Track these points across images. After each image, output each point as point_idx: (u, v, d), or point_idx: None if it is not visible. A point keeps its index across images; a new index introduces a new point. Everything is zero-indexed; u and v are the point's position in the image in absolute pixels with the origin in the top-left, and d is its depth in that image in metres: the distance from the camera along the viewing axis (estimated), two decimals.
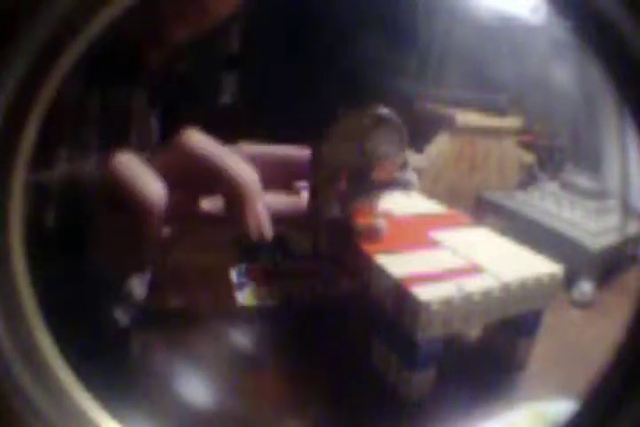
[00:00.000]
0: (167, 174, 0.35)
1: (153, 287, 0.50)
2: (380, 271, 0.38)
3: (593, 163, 0.65)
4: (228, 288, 0.52)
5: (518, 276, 0.37)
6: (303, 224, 0.45)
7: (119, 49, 0.47)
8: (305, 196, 0.44)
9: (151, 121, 0.56)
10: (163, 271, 0.54)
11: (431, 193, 0.57)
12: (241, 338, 0.45)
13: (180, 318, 0.46)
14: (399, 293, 0.35)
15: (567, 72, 0.61)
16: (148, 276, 0.47)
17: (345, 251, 0.44)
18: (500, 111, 0.75)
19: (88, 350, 0.29)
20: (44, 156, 0.42)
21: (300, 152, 0.44)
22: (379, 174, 0.40)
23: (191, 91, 0.65)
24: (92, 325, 0.47)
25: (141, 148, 0.51)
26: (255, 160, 0.40)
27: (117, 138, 0.50)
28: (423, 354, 0.36)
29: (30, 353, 0.21)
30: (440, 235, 0.44)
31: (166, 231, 0.38)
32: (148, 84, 0.54)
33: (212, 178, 0.36)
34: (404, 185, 0.46)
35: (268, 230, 0.38)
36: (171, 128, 0.59)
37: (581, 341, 0.46)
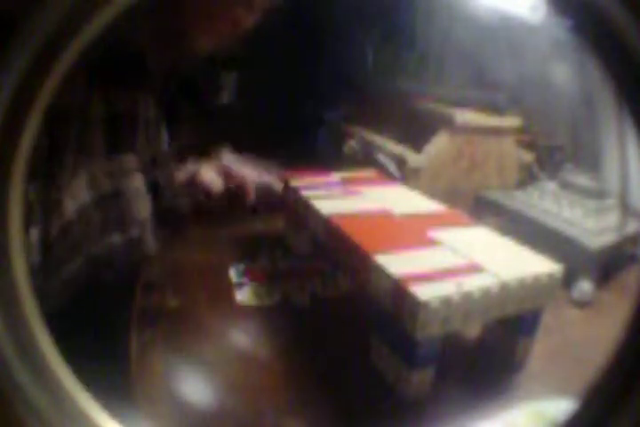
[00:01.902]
0: None
1: (152, 287, 0.50)
2: (380, 271, 0.38)
3: (592, 162, 0.65)
4: (227, 288, 0.52)
5: (517, 275, 0.37)
6: None
7: (127, 54, 0.48)
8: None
9: (159, 123, 0.56)
10: (162, 271, 0.54)
11: (430, 192, 0.57)
12: (240, 338, 0.45)
13: (180, 317, 0.46)
14: (398, 292, 0.35)
15: (566, 71, 0.61)
16: None
17: (344, 251, 0.45)
18: (500, 110, 0.75)
19: (88, 351, 0.29)
20: (49, 160, 0.43)
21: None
22: None
23: (191, 91, 0.65)
24: (93, 326, 0.47)
25: (150, 150, 0.51)
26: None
27: (124, 141, 0.50)
28: (422, 353, 0.36)
29: (30, 353, 0.21)
30: (439, 234, 0.44)
31: None
32: (155, 87, 0.54)
33: None
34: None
35: None
36: (174, 128, 0.59)
37: (581, 340, 0.46)
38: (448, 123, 0.72)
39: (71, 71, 0.21)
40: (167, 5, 0.45)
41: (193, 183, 0.54)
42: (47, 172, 0.42)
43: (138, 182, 0.46)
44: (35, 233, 0.40)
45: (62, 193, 0.42)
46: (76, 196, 0.43)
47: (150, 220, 0.47)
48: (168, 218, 0.49)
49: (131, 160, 0.47)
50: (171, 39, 0.50)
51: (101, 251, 0.44)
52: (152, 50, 0.51)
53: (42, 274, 0.41)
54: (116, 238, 0.45)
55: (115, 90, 0.49)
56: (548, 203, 0.63)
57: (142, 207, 0.46)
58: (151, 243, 0.48)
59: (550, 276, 0.38)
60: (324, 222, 0.48)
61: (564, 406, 0.32)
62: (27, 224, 0.40)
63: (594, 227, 0.57)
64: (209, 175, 0.56)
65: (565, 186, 0.65)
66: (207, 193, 0.56)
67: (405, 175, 0.71)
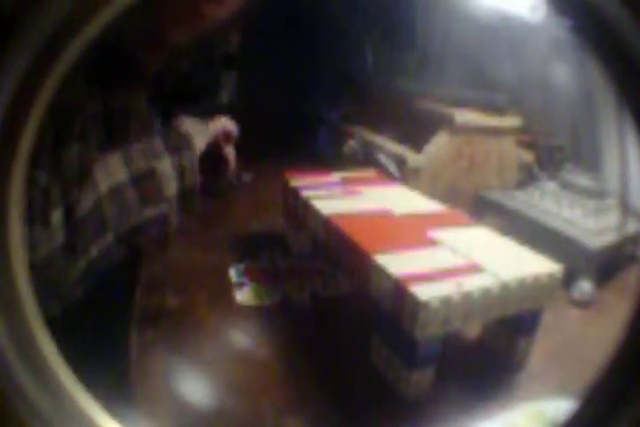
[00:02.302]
0: None
1: (152, 287, 0.50)
2: (380, 271, 0.38)
3: (592, 162, 0.65)
4: (227, 288, 0.52)
5: (517, 275, 0.37)
6: None
7: (118, 50, 0.49)
8: None
9: (152, 119, 0.57)
10: (162, 271, 0.54)
11: (430, 192, 0.57)
12: (240, 338, 0.45)
13: (180, 317, 0.46)
14: (398, 292, 0.35)
15: (567, 71, 0.61)
16: None
17: (344, 250, 0.45)
18: (500, 110, 0.75)
19: (88, 351, 0.29)
20: (54, 153, 0.44)
21: None
22: None
23: (190, 90, 0.65)
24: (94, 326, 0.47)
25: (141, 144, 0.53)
26: None
27: (118, 136, 0.51)
28: (422, 353, 0.36)
29: (30, 353, 0.21)
30: (439, 234, 0.44)
31: None
32: (147, 84, 0.55)
33: None
34: None
35: None
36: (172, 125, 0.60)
37: (581, 340, 0.46)
38: (448, 123, 0.72)
39: (71, 71, 0.21)
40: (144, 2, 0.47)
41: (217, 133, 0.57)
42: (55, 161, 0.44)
43: (167, 163, 0.49)
44: (57, 216, 0.41)
45: (92, 172, 0.45)
46: (112, 173, 0.46)
47: (176, 198, 0.50)
48: (190, 197, 0.51)
49: (159, 143, 0.50)
50: (151, 35, 0.51)
51: (133, 225, 0.47)
52: (141, 47, 0.52)
53: (68, 256, 0.42)
54: (149, 213, 0.48)
55: (108, 89, 0.50)
56: (548, 203, 0.63)
57: (171, 186, 0.50)
58: (176, 219, 0.50)
59: (550, 276, 0.38)
60: (324, 222, 0.48)
61: (564, 406, 0.32)
62: (46, 209, 0.41)
63: (594, 227, 0.57)
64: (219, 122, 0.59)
65: (565, 186, 0.64)
66: (228, 136, 0.58)
67: (405, 175, 0.71)
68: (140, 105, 0.55)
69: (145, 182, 0.48)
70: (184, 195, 0.51)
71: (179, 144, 0.52)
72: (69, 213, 0.43)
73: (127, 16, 0.21)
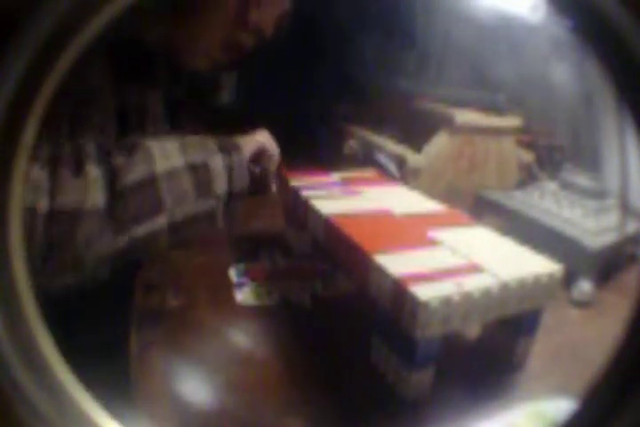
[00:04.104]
0: None
1: (152, 287, 0.50)
2: (380, 271, 0.38)
3: (592, 162, 0.65)
4: (227, 288, 0.52)
5: (517, 275, 0.37)
6: None
7: (148, 52, 0.52)
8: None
9: (163, 115, 0.58)
10: (162, 271, 0.54)
11: (430, 192, 0.57)
12: (240, 338, 0.45)
13: (180, 317, 0.46)
14: (398, 292, 0.35)
15: (567, 71, 0.61)
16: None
17: (343, 250, 0.45)
18: (500, 110, 0.75)
19: (88, 351, 0.29)
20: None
21: None
22: None
23: (191, 90, 0.65)
24: (93, 325, 0.47)
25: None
26: None
27: (134, 127, 0.52)
28: (422, 353, 0.36)
29: (30, 353, 0.21)
30: (440, 234, 0.44)
31: None
32: (164, 85, 0.57)
33: None
34: None
35: None
36: (176, 123, 0.61)
37: (581, 340, 0.46)
38: (448, 123, 0.72)
39: (72, 70, 0.21)
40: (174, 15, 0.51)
41: (260, 150, 0.57)
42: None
43: (218, 161, 0.50)
44: (93, 170, 0.41)
45: (148, 147, 0.46)
46: (169, 156, 0.47)
47: (223, 198, 0.51)
48: (235, 201, 0.52)
49: (212, 141, 0.51)
50: (180, 46, 0.53)
51: (188, 214, 0.48)
52: (165, 52, 0.53)
53: (106, 224, 0.42)
54: (202, 205, 0.49)
55: (129, 85, 0.51)
56: (548, 203, 0.63)
57: (220, 184, 0.50)
58: (221, 219, 0.51)
59: (550, 276, 0.38)
60: (324, 222, 0.48)
61: (564, 406, 0.32)
62: (79, 159, 0.41)
63: (594, 227, 0.57)
64: (268, 140, 0.59)
65: (565, 186, 0.65)
66: (270, 158, 0.59)
67: (405, 175, 0.71)
68: (157, 104, 0.57)
69: (200, 173, 0.48)
70: (230, 197, 0.51)
71: (228, 146, 0.51)
72: (113, 177, 0.42)
73: (127, 13, 0.21)
